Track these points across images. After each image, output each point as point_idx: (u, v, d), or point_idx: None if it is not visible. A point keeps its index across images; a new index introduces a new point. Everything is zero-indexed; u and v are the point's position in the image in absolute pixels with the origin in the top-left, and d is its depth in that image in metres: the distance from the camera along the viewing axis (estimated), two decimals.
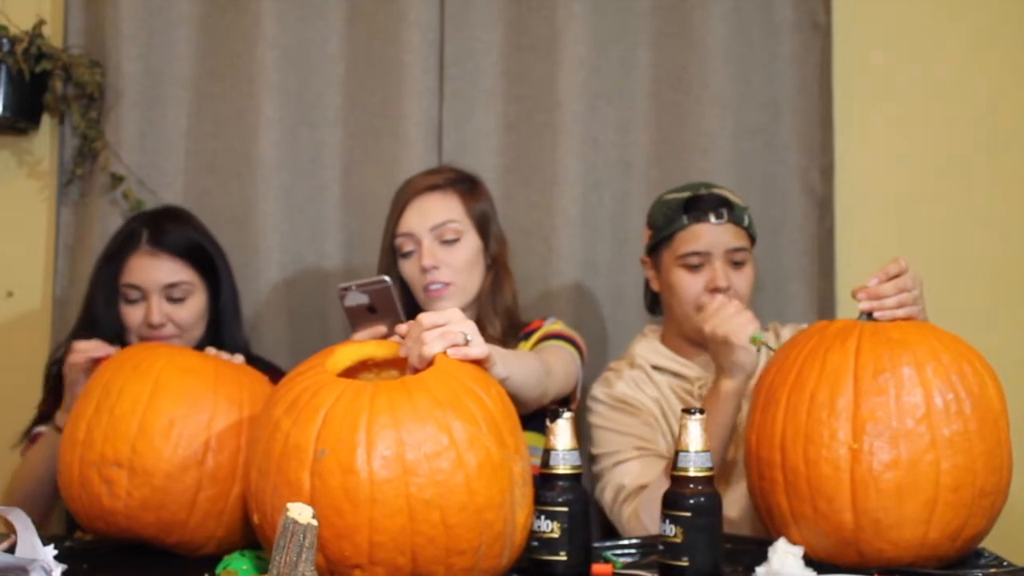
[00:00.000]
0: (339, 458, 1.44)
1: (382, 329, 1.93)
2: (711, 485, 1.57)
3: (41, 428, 2.16)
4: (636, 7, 2.58)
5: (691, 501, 1.54)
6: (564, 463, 1.58)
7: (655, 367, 2.16)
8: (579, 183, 2.55)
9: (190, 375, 1.73)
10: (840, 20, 2.58)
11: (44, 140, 2.67)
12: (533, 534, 1.57)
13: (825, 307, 2.54)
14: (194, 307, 2.19)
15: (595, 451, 2.11)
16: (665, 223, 2.12)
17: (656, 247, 2.15)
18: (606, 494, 2.05)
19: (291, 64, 2.60)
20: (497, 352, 1.68)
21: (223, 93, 2.61)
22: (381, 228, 2.22)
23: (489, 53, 2.59)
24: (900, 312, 1.72)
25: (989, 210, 2.59)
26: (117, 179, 2.57)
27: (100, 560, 1.71)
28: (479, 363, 1.61)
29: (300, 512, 1.24)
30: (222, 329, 2.23)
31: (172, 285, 2.16)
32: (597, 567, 1.60)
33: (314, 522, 1.24)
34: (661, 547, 1.56)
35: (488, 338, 1.70)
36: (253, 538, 1.62)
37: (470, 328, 1.61)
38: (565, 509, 1.56)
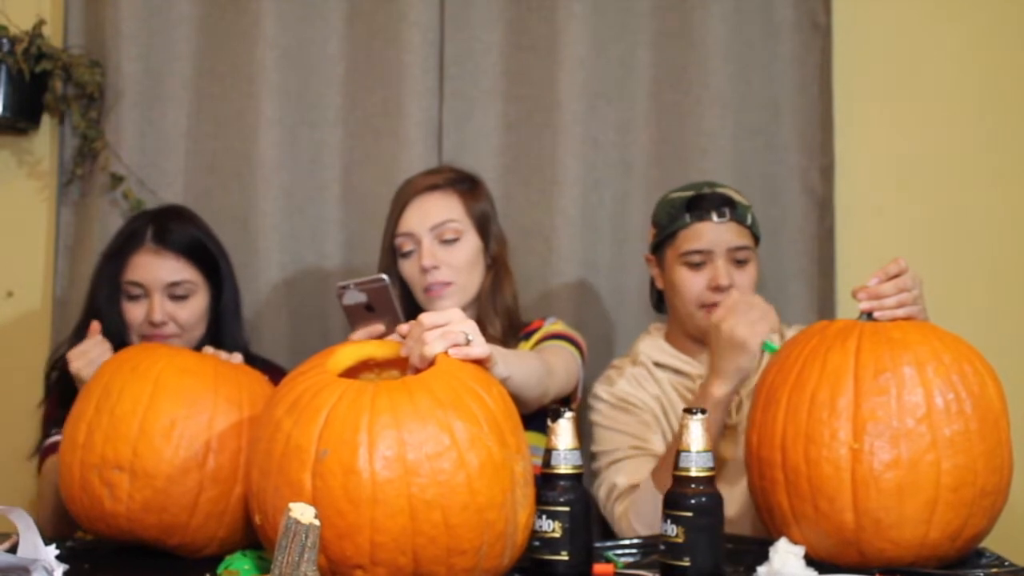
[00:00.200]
0: (341, 458, 1.43)
1: (380, 328, 1.93)
2: (712, 485, 1.57)
3: (56, 437, 2.14)
4: (636, 7, 2.58)
5: (693, 501, 1.54)
6: (565, 463, 1.58)
7: (657, 364, 2.16)
8: (579, 183, 2.55)
9: (189, 375, 1.72)
10: (840, 20, 2.58)
11: (44, 140, 2.66)
12: (535, 534, 1.57)
13: (825, 307, 2.54)
14: (196, 306, 2.18)
15: (594, 449, 2.12)
16: (668, 221, 2.13)
17: (660, 245, 2.15)
18: (600, 492, 2.07)
19: (291, 64, 2.60)
20: (498, 352, 1.68)
21: (223, 93, 2.61)
22: (381, 228, 2.22)
23: (489, 53, 2.59)
24: (900, 312, 1.73)
25: (989, 210, 2.59)
26: (117, 179, 2.57)
27: (102, 560, 1.71)
28: (480, 363, 1.61)
29: (302, 512, 1.23)
30: (223, 329, 2.23)
31: (175, 283, 2.16)
32: (598, 567, 1.60)
33: (316, 522, 1.23)
34: (662, 547, 1.56)
35: (488, 338, 1.70)
36: (254, 538, 1.62)
37: (471, 328, 1.61)
38: (567, 509, 1.56)
